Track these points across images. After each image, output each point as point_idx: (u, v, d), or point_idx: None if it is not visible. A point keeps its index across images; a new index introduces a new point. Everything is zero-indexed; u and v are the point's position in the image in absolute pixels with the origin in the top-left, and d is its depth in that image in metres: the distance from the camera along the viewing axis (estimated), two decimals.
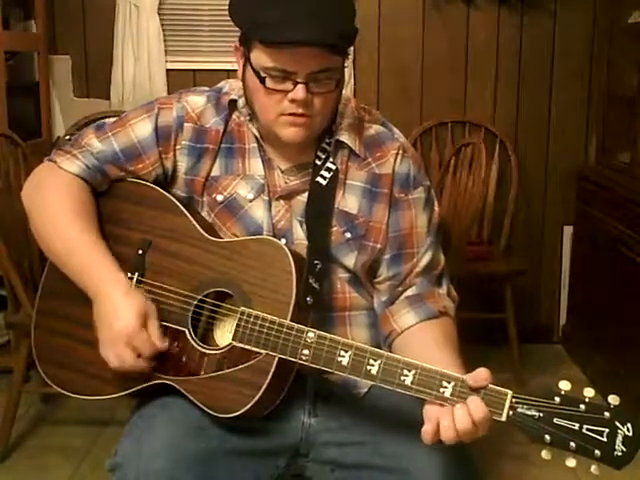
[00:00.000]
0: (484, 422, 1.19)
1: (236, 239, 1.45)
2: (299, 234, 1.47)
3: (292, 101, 1.35)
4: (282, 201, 1.49)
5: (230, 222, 1.48)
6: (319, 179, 1.47)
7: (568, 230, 3.64)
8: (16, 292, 2.49)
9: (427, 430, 1.22)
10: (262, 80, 1.36)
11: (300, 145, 1.45)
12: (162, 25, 3.46)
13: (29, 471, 2.57)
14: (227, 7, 1.42)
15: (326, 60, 1.34)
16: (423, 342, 1.42)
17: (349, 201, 1.48)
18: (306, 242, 1.45)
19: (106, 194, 1.52)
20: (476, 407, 1.19)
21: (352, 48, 1.43)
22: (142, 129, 1.49)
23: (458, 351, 1.42)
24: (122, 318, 1.34)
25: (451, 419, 1.20)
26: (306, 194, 1.48)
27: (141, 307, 1.35)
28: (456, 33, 3.52)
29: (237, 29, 1.43)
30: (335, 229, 1.47)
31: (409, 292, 1.51)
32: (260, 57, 1.35)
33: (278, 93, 1.36)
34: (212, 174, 1.49)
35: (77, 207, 1.45)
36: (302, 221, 1.47)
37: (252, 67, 1.37)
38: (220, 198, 1.48)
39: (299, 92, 1.34)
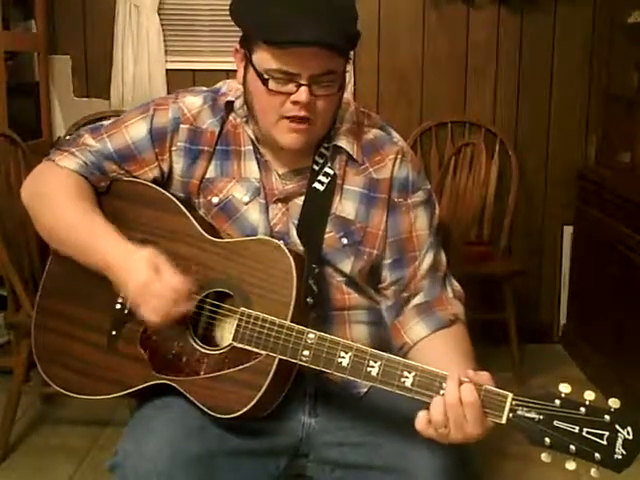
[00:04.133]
0: (473, 410, 1.19)
1: (237, 239, 1.45)
2: (295, 238, 1.46)
3: (294, 103, 1.35)
4: (280, 204, 1.48)
5: (226, 225, 1.48)
6: (316, 184, 1.46)
7: (568, 230, 3.64)
8: (16, 292, 2.49)
9: (421, 413, 1.22)
10: (265, 82, 1.35)
11: (298, 150, 1.44)
12: (162, 25, 3.46)
13: (29, 471, 2.57)
14: (227, 7, 1.42)
15: (329, 62, 1.34)
16: (437, 356, 1.41)
17: (346, 206, 1.48)
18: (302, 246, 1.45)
19: (106, 194, 1.52)
20: (467, 391, 1.19)
21: (352, 52, 1.43)
22: (137, 131, 1.49)
23: (472, 360, 1.41)
24: (134, 277, 1.33)
25: (441, 401, 1.20)
26: (303, 197, 1.47)
27: (148, 259, 1.34)
28: (456, 33, 3.52)
29: (237, 29, 1.42)
30: (332, 234, 1.47)
31: (417, 300, 1.50)
32: (263, 58, 1.35)
33: (280, 95, 1.35)
34: (207, 176, 1.49)
35: (75, 194, 1.45)
36: (297, 224, 1.47)
37: (255, 69, 1.36)
38: (215, 200, 1.48)
39: (302, 94, 1.34)
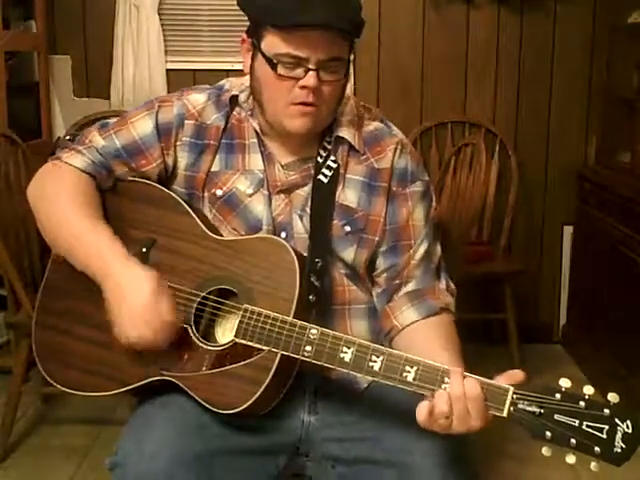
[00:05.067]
0: (476, 403, 1.20)
1: (240, 237, 1.46)
2: (299, 228, 1.48)
3: (302, 88, 1.37)
4: (282, 195, 1.49)
5: (230, 217, 1.49)
6: (321, 177, 1.48)
7: (568, 230, 3.64)
8: (16, 292, 2.48)
9: (422, 405, 1.22)
10: (274, 67, 1.37)
11: (303, 138, 1.46)
12: (162, 25, 3.46)
13: (29, 471, 2.57)
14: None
15: (336, 47, 1.37)
16: (424, 340, 1.43)
17: (349, 195, 1.49)
18: (305, 236, 1.46)
19: (110, 193, 1.52)
20: (471, 385, 1.20)
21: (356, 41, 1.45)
22: (143, 126, 1.51)
23: (459, 349, 1.42)
24: (134, 297, 1.33)
25: (446, 394, 1.21)
26: (306, 188, 1.49)
27: (151, 282, 1.34)
28: (456, 33, 3.52)
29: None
30: (335, 223, 1.48)
31: (409, 287, 1.51)
32: (272, 43, 1.37)
33: (289, 80, 1.37)
34: (212, 169, 1.50)
35: (80, 197, 1.45)
36: (302, 215, 1.48)
37: (263, 55, 1.38)
38: (219, 193, 1.49)
39: (311, 79, 1.36)
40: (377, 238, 1.50)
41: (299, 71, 1.37)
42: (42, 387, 2.67)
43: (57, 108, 3.55)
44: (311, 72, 1.36)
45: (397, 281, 1.51)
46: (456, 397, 1.20)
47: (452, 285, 1.57)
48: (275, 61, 1.37)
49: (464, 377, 1.22)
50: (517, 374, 1.23)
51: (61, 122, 3.53)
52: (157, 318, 1.33)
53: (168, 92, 3.38)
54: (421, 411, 1.22)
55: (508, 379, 1.22)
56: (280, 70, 1.37)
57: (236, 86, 1.53)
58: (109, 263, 1.37)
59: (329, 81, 1.39)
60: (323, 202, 1.47)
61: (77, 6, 3.51)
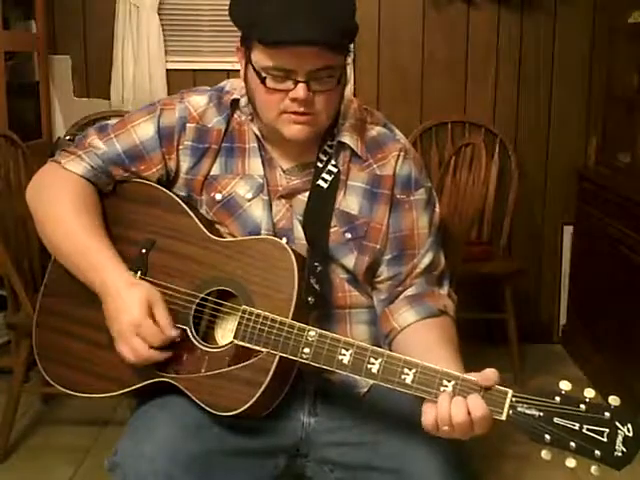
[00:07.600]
0: (482, 420, 1.19)
1: (239, 238, 1.45)
2: (300, 233, 1.47)
3: (293, 100, 1.35)
4: (283, 200, 1.49)
5: (228, 221, 1.48)
6: (320, 182, 1.47)
7: (568, 230, 3.64)
8: (16, 292, 2.48)
9: (427, 419, 1.22)
10: (262, 80, 1.35)
11: (303, 143, 1.45)
12: (162, 25, 3.46)
13: (29, 471, 2.57)
14: (227, 7, 1.42)
15: (327, 58, 1.34)
16: (423, 341, 1.42)
17: (350, 202, 1.48)
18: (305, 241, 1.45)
19: (110, 194, 1.52)
20: (475, 405, 1.19)
21: (352, 46, 1.43)
22: (145, 130, 1.50)
23: (458, 350, 1.41)
24: (127, 311, 1.34)
25: (448, 413, 1.20)
26: (307, 193, 1.48)
27: (144, 297, 1.35)
28: (456, 33, 3.52)
29: (237, 29, 1.43)
30: (335, 229, 1.47)
31: (409, 292, 1.50)
32: (260, 57, 1.35)
33: (279, 92, 1.36)
34: (212, 173, 1.49)
35: (81, 206, 1.45)
36: (302, 221, 1.47)
37: (253, 67, 1.37)
38: (219, 197, 1.49)
39: (300, 91, 1.34)
40: (378, 245, 1.49)
41: (288, 83, 1.34)
42: (42, 387, 2.67)
43: (57, 108, 3.55)
44: (300, 84, 1.33)
45: (399, 288, 1.51)
46: (459, 425, 1.19)
47: (453, 295, 1.57)
48: (263, 74, 1.35)
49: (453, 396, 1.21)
50: (489, 375, 1.21)
51: (61, 122, 3.53)
52: (149, 334, 1.33)
53: (168, 92, 3.39)
54: (427, 418, 1.22)
55: (482, 378, 1.21)
56: (269, 83, 1.35)
57: (237, 88, 1.52)
58: (103, 279, 1.38)
59: (321, 91, 1.36)
60: (321, 207, 1.46)
61: (77, 6, 3.51)
